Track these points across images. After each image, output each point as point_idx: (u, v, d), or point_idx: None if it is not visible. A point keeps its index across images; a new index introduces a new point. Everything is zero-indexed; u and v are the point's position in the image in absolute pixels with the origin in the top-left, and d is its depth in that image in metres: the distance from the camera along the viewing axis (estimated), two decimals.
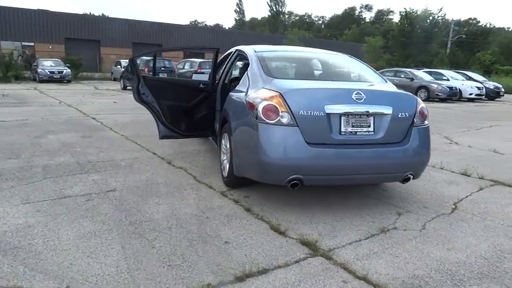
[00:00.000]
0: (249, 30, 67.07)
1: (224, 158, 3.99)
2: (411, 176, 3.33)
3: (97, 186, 3.79)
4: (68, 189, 3.69)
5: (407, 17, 40.24)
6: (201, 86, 4.68)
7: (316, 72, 3.92)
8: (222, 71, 4.76)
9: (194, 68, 16.59)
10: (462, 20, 59.67)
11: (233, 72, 4.90)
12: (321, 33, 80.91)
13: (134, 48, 37.14)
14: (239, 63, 4.94)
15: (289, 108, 3.04)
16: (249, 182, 3.64)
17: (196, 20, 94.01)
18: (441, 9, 59.28)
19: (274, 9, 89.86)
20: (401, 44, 39.35)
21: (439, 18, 40.75)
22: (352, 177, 3.25)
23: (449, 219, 3.31)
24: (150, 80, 4.64)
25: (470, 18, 65.01)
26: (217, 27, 69.30)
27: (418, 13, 40.11)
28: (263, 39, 41.15)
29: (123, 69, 21.12)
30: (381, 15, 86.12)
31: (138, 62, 4.70)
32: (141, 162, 4.73)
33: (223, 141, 4.01)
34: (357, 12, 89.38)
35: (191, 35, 38.39)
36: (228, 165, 3.78)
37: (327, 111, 3.06)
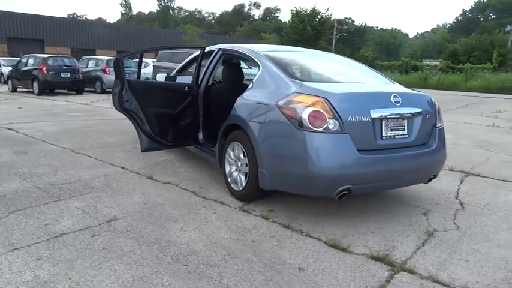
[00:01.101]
0: (137, 25, 63.83)
1: (233, 170, 3.61)
2: (433, 177, 3.41)
3: (90, 216, 3.10)
4: (54, 224, 2.94)
5: (298, 15, 42.56)
6: (186, 89, 4.16)
7: (336, 74, 3.76)
8: (202, 72, 4.29)
9: (101, 67, 15.07)
10: (339, 19, 65.49)
11: (226, 73, 4.46)
12: (213, 29, 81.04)
13: (10, 43, 32.70)
14: (228, 64, 4.52)
15: (338, 114, 2.84)
16: (264, 194, 3.41)
17: (75, 13, 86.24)
18: (328, 9, 64.20)
19: (163, 4, 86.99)
20: (294, 41, 41.48)
21: (326, 17, 43.98)
22: (394, 182, 3.20)
23: (468, 214, 3.46)
24: (136, 84, 3.97)
25: (346, 18, 71.56)
26: (119, 23, 64.83)
27: (307, 12, 42.73)
28: (162, 35, 39.52)
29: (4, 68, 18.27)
30: (269, 12, 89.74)
31: (122, 62, 3.99)
32: (117, 180, 4.03)
33: (230, 152, 3.62)
34: (246, 9, 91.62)
35: (84, 29, 35.09)
36: (244, 178, 3.42)
37: (372, 116, 2.94)
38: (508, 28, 47.64)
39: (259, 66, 3.54)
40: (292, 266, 2.46)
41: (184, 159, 4.92)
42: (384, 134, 3.02)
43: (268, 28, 68.10)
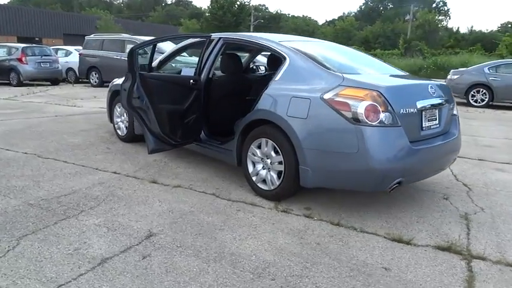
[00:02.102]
0: (35, 7, 57.47)
1: (260, 168, 3.40)
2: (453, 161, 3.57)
3: (120, 233, 2.69)
4: (86, 247, 2.49)
5: (217, 1, 41.97)
6: (192, 82, 3.79)
7: (361, 65, 3.68)
8: (201, 63, 3.94)
9: (15, 56, 13.28)
10: (255, 6, 66.08)
11: (226, 64, 4.13)
12: (123, 14, 76.27)
13: None
14: (227, 55, 4.19)
15: (392, 107, 2.80)
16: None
17: None
18: None
19: None
20: (215, 28, 40.89)
21: (244, 3, 43.98)
22: (433, 171, 3.27)
23: (479, 195, 3.69)
24: (148, 78, 3.48)
25: (259, 5, 72.52)
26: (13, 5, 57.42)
27: None
28: (71, 20, 36.06)
29: None
30: None
31: (137, 53, 3.43)
32: (119, 187, 3.57)
33: (255, 149, 3.39)
34: None
35: None
36: (276, 176, 3.24)
37: (418, 107, 2.96)
38: (408, 17, 52.32)
39: (284, 58, 3.33)
40: (376, 267, 2.38)
41: (174, 157, 4.53)
42: (423, 125, 3.06)
43: (183, 14, 66.19)
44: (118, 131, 5.30)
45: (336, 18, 73.55)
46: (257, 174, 3.43)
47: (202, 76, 3.88)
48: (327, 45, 4.10)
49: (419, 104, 2.98)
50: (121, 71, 12.19)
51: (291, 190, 3.21)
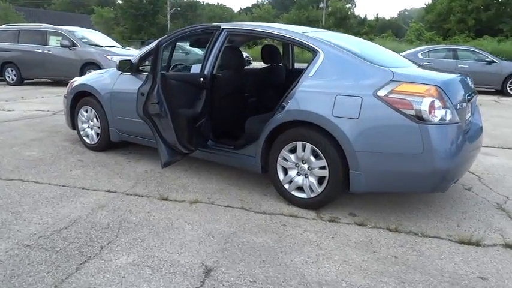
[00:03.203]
0: None
1: (294, 175, 3.06)
2: None
3: (170, 273, 2.19)
4: None
5: None
6: (202, 81, 3.28)
7: (392, 59, 3.45)
8: (206, 58, 3.45)
9: None
10: None
11: (230, 58, 3.66)
12: (18, 1, 68.35)
13: None
14: (230, 48, 3.71)
15: (451, 103, 2.65)
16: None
17: None
18: None
19: None
20: (131, 16, 38.57)
21: None
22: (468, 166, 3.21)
23: (492, 182, 3.78)
24: (171, 79, 2.88)
25: None
26: None
27: None
28: None
29: None
30: None
31: (162, 49, 2.78)
32: (127, 210, 2.99)
33: (288, 154, 3.05)
34: None
35: None
36: (316, 183, 2.94)
37: (467, 101, 2.86)
38: (321, 5, 54.38)
39: (315, 52, 3.01)
40: (471, 277, 2.22)
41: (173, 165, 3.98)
42: (465, 118, 2.97)
43: (91, 0, 61.30)
44: (85, 138, 4.53)
45: (251, 6, 74.03)
46: (290, 181, 3.09)
47: (206, 73, 3.39)
48: (340, 36, 3.84)
49: (468, 97, 2.87)
50: (45, 66, 10.82)
51: (335, 197, 2.94)
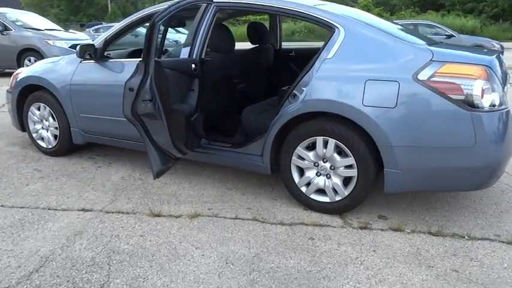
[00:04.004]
0: None
1: (312, 176, 2.60)
2: None
3: None
4: None
5: None
6: (193, 68, 2.67)
7: (414, 36, 2.99)
8: (193, 39, 2.82)
9: None
10: None
11: (220, 39, 3.05)
12: None
13: None
14: (219, 27, 3.09)
15: (501, 86, 2.28)
16: None
17: None
18: None
19: None
20: None
21: None
22: None
23: None
24: (166, 67, 2.23)
25: None
26: None
27: None
28: None
29: None
30: None
31: (158, 28, 2.08)
32: (114, 235, 2.38)
33: (304, 151, 2.57)
34: None
35: None
36: (341, 184, 2.51)
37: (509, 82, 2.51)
38: None
39: (335, 29, 2.50)
40: None
41: (143, 171, 3.35)
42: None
43: None
44: (40, 142, 3.76)
45: None
46: (308, 183, 2.62)
47: (195, 58, 2.78)
48: (350, 9, 3.34)
49: (506, 79, 2.53)
50: None
51: (363, 199, 2.52)
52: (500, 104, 2.24)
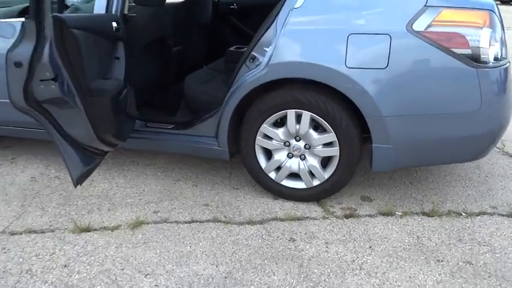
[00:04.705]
0: None
1: (283, 159, 2.11)
2: None
3: None
4: None
5: None
6: (115, 27, 1.93)
7: None
8: None
9: None
10: None
11: None
12: None
13: None
14: None
15: (503, 35, 1.90)
16: None
17: None
18: None
19: None
20: None
21: None
22: None
23: None
24: (73, 26, 1.45)
25: None
26: None
27: None
28: None
29: None
30: None
31: None
32: (40, 272, 1.71)
33: (271, 129, 2.05)
34: None
35: None
36: (319, 166, 2.05)
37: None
38: None
39: None
40: None
41: (56, 165, 2.61)
42: None
43: None
44: None
45: None
46: (278, 168, 2.12)
47: (115, 13, 2.05)
48: None
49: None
50: None
51: (346, 182, 2.09)
52: (502, 57, 1.86)
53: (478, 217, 2.02)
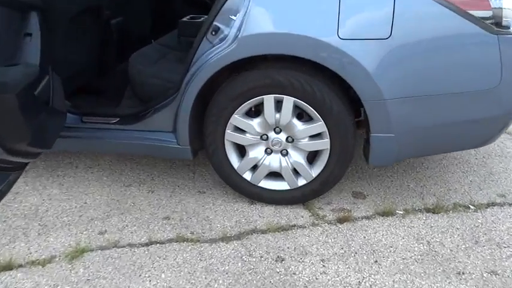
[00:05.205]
0: None
1: (260, 156, 1.71)
2: None
3: None
4: None
5: None
6: None
7: None
8: None
9: None
10: None
11: None
12: None
13: None
14: None
15: None
16: None
17: None
18: None
19: None
20: None
21: None
22: None
23: None
24: None
25: None
26: None
27: None
28: None
29: None
30: None
31: None
32: None
33: (244, 120, 1.64)
34: None
35: None
36: (304, 162, 1.68)
37: None
38: None
39: None
40: None
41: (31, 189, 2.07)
42: None
43: None
44: None
45: None
46: (255, 167, 1.72)
47: None
48: None
49: None
50: None
51: (339, 180, 1.72)
52: None
53: (488, 210, 1.75)
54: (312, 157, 1.69)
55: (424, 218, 1.70)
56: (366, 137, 1.67)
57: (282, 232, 1.62)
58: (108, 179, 2.00)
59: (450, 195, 1.84)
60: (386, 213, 1.72)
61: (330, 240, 1.57)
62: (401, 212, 1.73)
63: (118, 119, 1.81)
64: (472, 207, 1.76)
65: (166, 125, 1.71)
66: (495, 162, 2.11)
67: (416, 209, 1.76)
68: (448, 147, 1.73)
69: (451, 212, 1.74)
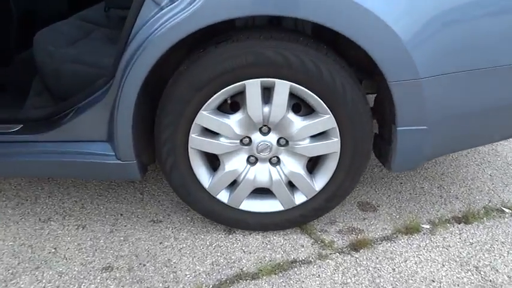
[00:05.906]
0: None
1: (242, 168, 1.20)
2: None
3: None
4: None
5: None
6: None
7: None
8: None
9: None
10: None
11: None
12: None
13: None
14: None
15: None
16: None
17: None
18: None
19: None
20: None
21: None
22: None
23: None
24: None
25: None
26: None
27: None
28: None
29: None
30: None
31: None
32: None
33: (218, 118, 1.11)
34: None
35: None
36: (303, 171, 1.20)
37: None
38: None
39: None
40: None
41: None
42: None
43: None
44: None
45: None
46: (233, 183, 1.21)
47: None
48: None
49: None
50: None
51: (348, 194, 1.26)
52: None
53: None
54: (311, 165, 1.22)
55: (458, 232, 1.30)
56: (379, 133, 1.23)
57: (280, 274, 1.14)
58: (15, 212, 1.38)
59: (475, 196, 1.48)
60: (410, 230, 1.30)
61: (350, 281, 1.12)
62: (428, 226, 1.33)
63: (21, 125, 1.20)
64: (507, 210, 1.40)
65: (97, 131, 1.14)
66: (506, 149, 1.79)
67: (444, 219, 1.36)
68: (485, 139, 1.34)
69: (485, 219, 1.36)
